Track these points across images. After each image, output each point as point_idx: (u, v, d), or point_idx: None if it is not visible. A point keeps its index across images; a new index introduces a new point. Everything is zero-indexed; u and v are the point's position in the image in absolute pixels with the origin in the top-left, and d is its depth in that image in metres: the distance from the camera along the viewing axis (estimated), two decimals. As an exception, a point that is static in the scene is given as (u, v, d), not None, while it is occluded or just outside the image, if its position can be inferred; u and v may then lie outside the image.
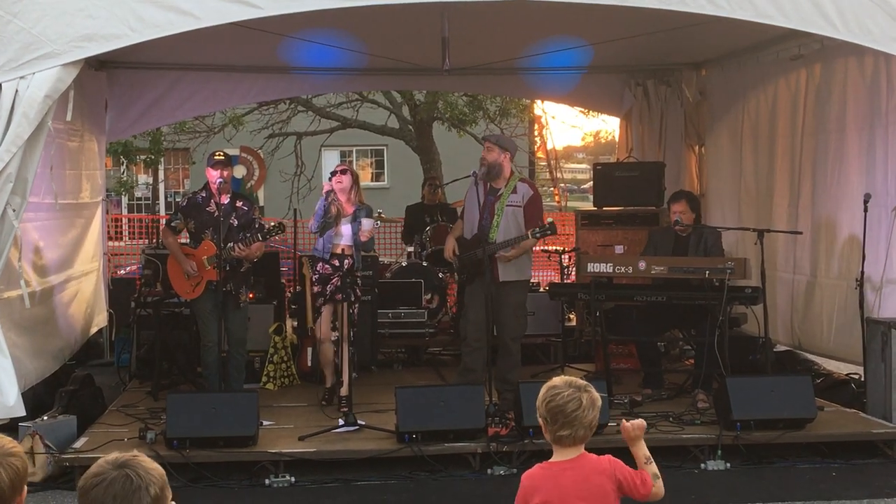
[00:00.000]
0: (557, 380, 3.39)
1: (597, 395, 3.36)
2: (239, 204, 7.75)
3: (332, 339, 7.73)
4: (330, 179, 7.77)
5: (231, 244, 7.45)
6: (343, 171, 7.76)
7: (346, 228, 7.64)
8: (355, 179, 7.82)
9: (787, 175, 8.96)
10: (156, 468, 2.42)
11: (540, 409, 3.35)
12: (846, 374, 8.47)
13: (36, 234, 7.73)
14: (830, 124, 8.31)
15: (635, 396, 7.81)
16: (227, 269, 7.45)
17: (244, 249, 7.49)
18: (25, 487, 2.63)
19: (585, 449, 3.40)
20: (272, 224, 7.62)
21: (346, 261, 7.61)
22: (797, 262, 8.75)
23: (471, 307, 7.67)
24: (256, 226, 7.61)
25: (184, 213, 7.77)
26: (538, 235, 7.71)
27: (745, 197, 9.70)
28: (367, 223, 7.61)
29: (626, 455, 6.58)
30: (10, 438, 2.66)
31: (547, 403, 3.32)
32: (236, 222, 7.63)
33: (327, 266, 7.70)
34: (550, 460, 3.39)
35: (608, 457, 3.40)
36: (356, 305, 7.71)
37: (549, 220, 7.83)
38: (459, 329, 8.06)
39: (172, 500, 2.44)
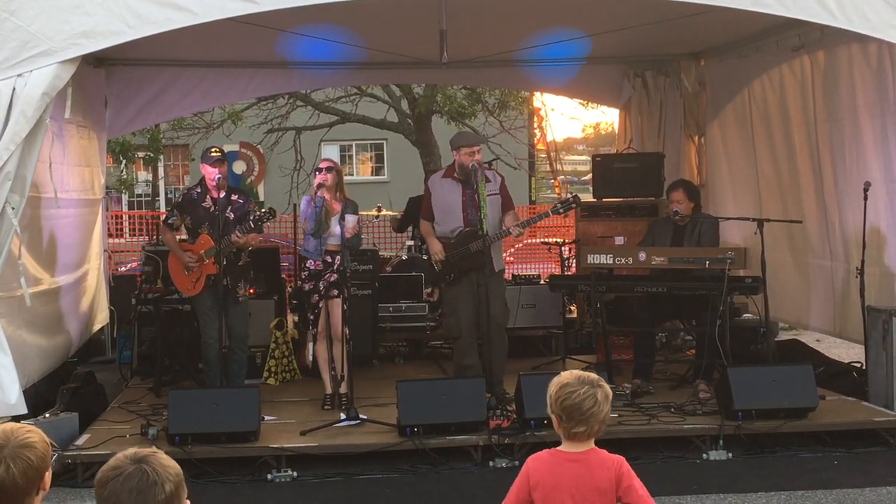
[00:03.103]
0: (568, 376, 3.31)
1: (609, 388, 3.31)
2: (234, 197, 7.76)
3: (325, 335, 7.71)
4: (316, 174, 7.65)
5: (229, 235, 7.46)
6: (329, 169, 7.61)
7: (335, 227, 7.49)
8: (339, 175, 7.73)
9: (808, 163, 8.87)
10: (173, 465, 2.43)
11: (553, 407, 3.29)
12: (848, 363, 8.46)
13: (55, 230, 7.76)
14: (842, 112, 8.23)
15: (643, 387, 7.81)
16: (224, 263, 7.44)
17: (241, 237, 7.48)
18: (48, 474, 2.65)
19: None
20: (262, 211, 7.55)
21: (338, 258, 7.51)
22: (833, 249, 8.62)
23: (462, 305, 7.65)
24: (251, 217, 7.57)
25: (180, 210, 7.80)
26: (561, 210, 7.77)
27: (766, 185, 9.60)
28: (350, 220, 7.45)
29: (628, 447, 6.58)
30: (29, 427, 2.66)
31: (561, 402, 3.25)
32: (232, 215, 7.62)
33: (319, 263, 7.62)
34: (560, 448, 3.34)
35: (620, 459, 3.33)
36: (347, 302, 7.67)
37: (573, 192, 7.94)
38: (449, 328, 7.96)
39: (186, 498, 2.44)
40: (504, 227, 7.60)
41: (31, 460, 2.59)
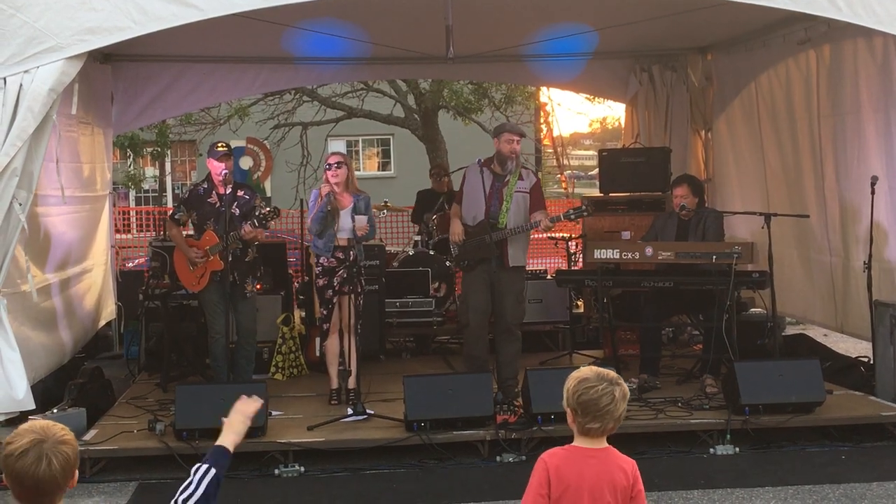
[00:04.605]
0: (587, 371, 3.30)
1: (626, 387, 3.30)
2: (240, 193, 7.75)
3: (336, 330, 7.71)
4: (326, 171, 7.60)
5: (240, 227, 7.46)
6: (339, 165, 7.54)
7: (346, 221, 7.45)
8: (350, 169, 7.67)
9: (809, 158, 8.86)
10: None
11: (569, 401, 3.28)
12: (855, 358, 8.45)
13: (51, 227, 7.76)
14: (845, 106, 8.21)
15: (650, 382, 7.81)
16: (230, 259, 7.45)
17: (251, 230, 7.47)
18: (77, 472, 2.74)
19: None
20: (267, 209, 7.53)
21: (352, 252, 7.45)
22: (832, 245, 8.61)
23: (472, 293, 7.63)
24: (256, 213, 7.53)
25: (186, 206, 7.79)
26: (573, 217, 7.78)
27: (773, 179, 9.57)
28: (360, 220, 7.39)
29: (635, 442, 6.58)
30: (61, 426, 2.75)
31: (578, 396, 3.25)
32: (238, 211, 7.62)
33: (332, 259, 7.59)
34: (575, 444, 3.33)
35: (633, 462, 3.35)
36: (362, 296, 7.69)
37: (586, 202, 8.04)
38: (460, 316, 8.02)
39: None
40: (534, 219, 7.58)
41: (68, 455, 2.68)
